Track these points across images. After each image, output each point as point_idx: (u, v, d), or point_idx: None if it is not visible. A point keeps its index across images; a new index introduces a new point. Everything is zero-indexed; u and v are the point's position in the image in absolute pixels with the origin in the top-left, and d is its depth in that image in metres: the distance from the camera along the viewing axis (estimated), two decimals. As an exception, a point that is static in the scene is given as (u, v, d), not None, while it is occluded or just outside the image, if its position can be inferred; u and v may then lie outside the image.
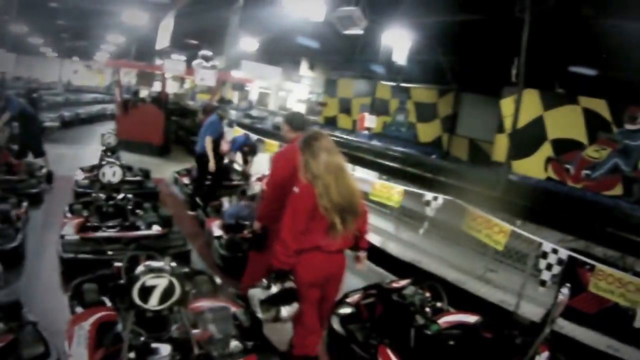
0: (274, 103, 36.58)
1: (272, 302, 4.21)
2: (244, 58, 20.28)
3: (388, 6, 17.19)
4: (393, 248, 8.94)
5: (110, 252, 6.46)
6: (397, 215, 10.73)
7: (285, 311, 4.22)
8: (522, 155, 17.07)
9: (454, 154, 22.66)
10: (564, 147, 16.49)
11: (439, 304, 5.67)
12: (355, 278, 6.84)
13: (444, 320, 5.32)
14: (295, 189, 4.23)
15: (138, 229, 7.23)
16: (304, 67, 29.90)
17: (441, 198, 8.13)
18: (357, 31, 13.06)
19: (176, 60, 17.77)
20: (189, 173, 11.68)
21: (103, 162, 7.95)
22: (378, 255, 8.28)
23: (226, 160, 11.65)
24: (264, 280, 4.27)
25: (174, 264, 4.04)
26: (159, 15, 21.37)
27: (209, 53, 16.63)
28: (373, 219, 10.29)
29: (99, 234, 6.89)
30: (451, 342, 4.93)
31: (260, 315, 4.28)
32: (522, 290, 7.16)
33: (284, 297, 4.22)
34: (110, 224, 7.23)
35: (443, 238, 9.55)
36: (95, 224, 7.14)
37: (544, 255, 6.46)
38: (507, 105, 17.74)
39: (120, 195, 7.80)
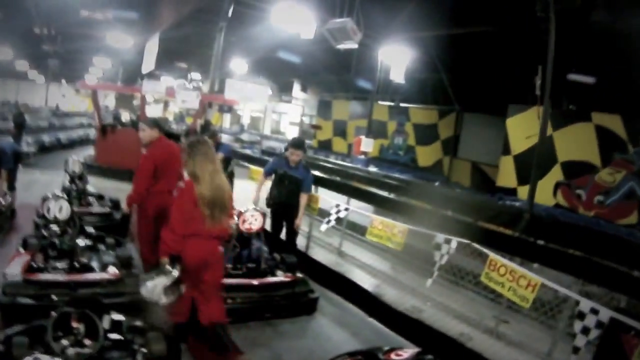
0: (266, 126, 35.95)
1: (176, 285, 4.82)
2: (234, 79, 19.62)
3: (384, 21, 16.41)
4: (390, 294, 7.75)
5: (55, 298, 5.52)
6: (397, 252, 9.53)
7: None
8: (529, 180, 15.85)
9: (455, 179, 21.75)
10: (575, 170, 15.43)
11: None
12: (348, 336, 6.15)
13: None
14: (181, 184, 5.10)
15: (90, 270, 6.15)
16: (296, 88, 29.26)
17: (455, 241, 6.63)
18: (352, 45, 12.14)
19: (155, 81, 16.95)
20: None
21: (48, 195, 6.80)
22: (371, 304, 7.10)
23: None
24: (167, 267, 4.84)
25: (119, 317, 4.06)
26: (145, 37, 20.76)
27: (198, 76, 16.06)
28: (368, 257, 9.25)
29: (44, 276, 5.81)
30: None
31: (164, 299, 4.76)
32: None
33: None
34: (59, 264, 6.14)
35: (447, 279, 8.17)
36: (41, 265, 6.06)
37: (581, 315, 5.16)
38: (513, 124, 16.92)
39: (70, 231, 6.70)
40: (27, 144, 17.66)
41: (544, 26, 9.85)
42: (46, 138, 21.12)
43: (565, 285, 5.72)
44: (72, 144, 23.21)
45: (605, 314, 4.91)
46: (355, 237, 9.88)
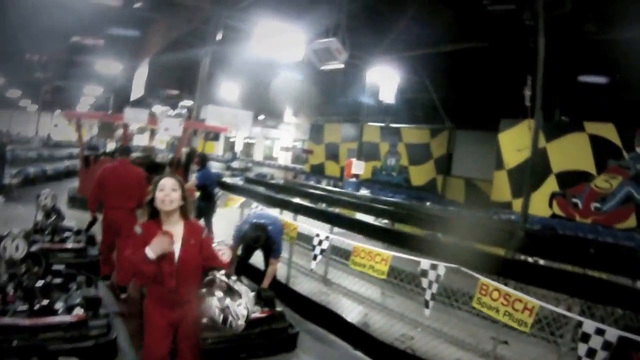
0: (259, 152, 35.63)
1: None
2: (225, 105, 19.28)
3: (372, 41, 16.11)
4: (378, 323, 7.16)
5: (15, 343, 5.01)
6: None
7: None
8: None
9: (450, 196, 21.37)
10: (571, 180, 15.26)
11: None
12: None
13: None
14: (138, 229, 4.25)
15: (53, 313, 5.62)
16: (288, 113, 28.96)
17: (442, 266, 5.97)
18: (337, 65, 11.72)
19: (138, 109, 16.54)
20: None
21: (5, 234, 6.27)
22: (357, 335, 6.47)
23: None
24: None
25: None
26: (135, 64, 20.44)
27: (189, 103, 15.65)
28: (354, 283, 8.58)
29: (2, 320, 5.29)
30: None
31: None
32: None
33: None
34: (20, 308, 5.61)
35: (438, 301, 7.49)
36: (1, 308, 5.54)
37: (585, 337, 4.56)
38: (505, 138, 16.78)
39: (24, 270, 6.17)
40: (10, 176, 17.16)
41: (533, 38, 9.46)
42: (31, 169, 20.51)
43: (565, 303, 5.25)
44: (59, 176, 22.24)
45: (613, 334, 4.37)
46: (341, 262, 9.27)
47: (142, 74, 19.03)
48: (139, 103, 20.27)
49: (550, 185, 15.54)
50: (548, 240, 8.90)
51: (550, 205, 15.65)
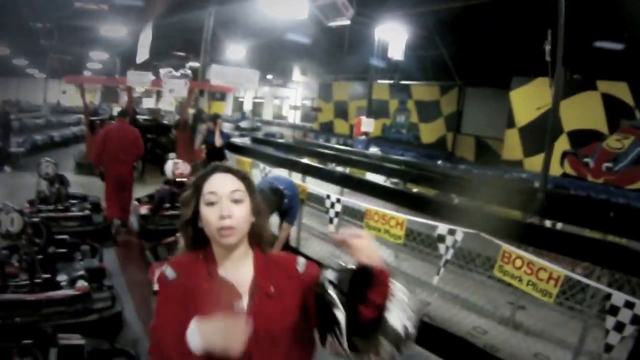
0: (268, 112, 35.33)
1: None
2: (231, 65, 18.88)
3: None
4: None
5: (17, 320, 4.77)
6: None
7: None
8: (535, 152, 15.41)
9: (460, 154, 21.12)
10: (582, 139, 14.94)
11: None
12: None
13: None
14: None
15: (56, 287, 5.34)
16: (296, 72, 28.56)
17: (460, 232, 5.63)
18: (344, 22, 11.42)
19: (141, 72, 16.23)
20: (151, 200, 9.58)
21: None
22: None
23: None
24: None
25: (78, 341, 3.77)
26: (140, 27, 20.04)
27: (196, 64, 15.37)
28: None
29: (9, 296, 5.03)
30: None
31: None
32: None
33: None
34: (22, 282, 5.34)
35: (455, 263, 7.10)
36: (1, 284, 5.27)
37: (613, 310, 4.25)
38: (517, 96, 16.42)
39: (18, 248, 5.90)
40: (17, 144, 16.95)
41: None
42: (38, 137, 20.22)
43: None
44: (67, 142, 21.98)
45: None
46: (354, 223, 8.83)
47: (146, 36, 18.57)
48: (146, 66, 19.98)
49: (562, 144, 15.18)
50: (567, 203, 8.54)
51: (562, 164, 15.39)
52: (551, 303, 4.74)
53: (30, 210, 8.27)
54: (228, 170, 1.97)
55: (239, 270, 1.95)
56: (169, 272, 1.94)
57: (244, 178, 1.97)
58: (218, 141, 11.09)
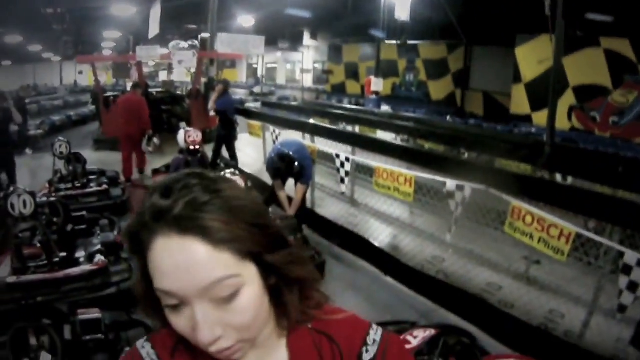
0: (281, 76, 35.23)
1: None
2: (243, 33, 18.83)
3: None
4: (408, 246, 6.90)
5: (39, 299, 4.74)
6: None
7: None
8: (542, 106, 15.14)
9: (469, 109, 21.00)
10: (588, 94, 14.92)
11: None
12: (361, 300, 5.41)
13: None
14: None
15: (75, 263, 5.43)
16: (306, 36, 28.47)
17: (469, 187, 5.65)
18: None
19: (150, 46, 16.34)
20: (168, 170, 9.65)
21: (10, 190, 5.99)
22: (387, 260, 6.20)
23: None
24: None
25: (95, 315, 3.67)
26: (150, 3, 20.00)
27: (207, 35, 15.40)
28: (383, 202, 8.13)
29: (26, 277, 5.09)
30: None
31: None
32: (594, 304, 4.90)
33: None
34: (41, 262, 5.41)
35: (469, 219, 6.76)
36: (18, 265, 5.35)
37: (626, 269, 4.19)
38: (522, 53, 16.47)
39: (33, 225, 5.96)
40: (36, 127, 17.10)
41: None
42: (56, 117, 20.27)
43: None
44: (85, 120, 22.22)
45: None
46: (367, 180, 8.76)
47: (156, 11, 18.60)
48: (158, 41, 20.02)
49: (568, 98, 15.20)
50: (575, 157, 8.48)
51: (570, 119, 15.39)
52: (564, 261, 4.70)
53: (49, 190, 8.38)
54: (180, 222, 0.87)
55: None
56: (147, 350, 1.05)
57: (224, 221, 0.89)
58: (211, 104, 11.85)
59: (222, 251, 0.87)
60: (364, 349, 1.06)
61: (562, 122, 14.98)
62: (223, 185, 0.94)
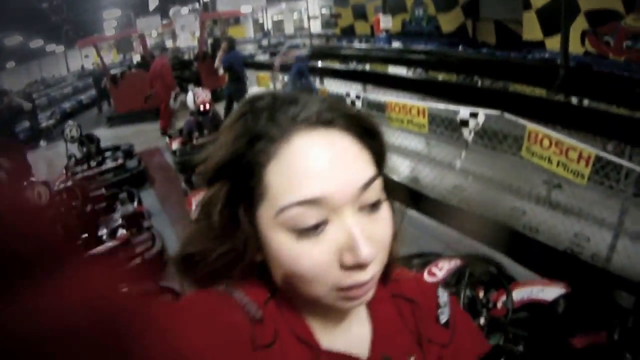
0: (289, 26, 35.05)
1: None
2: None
3: None
4: (427, 177, 6.76)
5: None
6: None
7: None
8: (554, 32, 14.87)
9: (481, 39, 20.32)
10: (600, 19, 14.28)
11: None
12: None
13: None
14: None
15: (98, 242, 5.46)
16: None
17: (482, 114, 5.40)
18: None
19: (149, 17, 16.69)
20: (181, 134, 9.63)
21: (25, 183, 5.99)
22: (408, 192, 6.09)
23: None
24: None
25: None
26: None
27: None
28: (397, 136, 7.84)
29: None
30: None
31: None
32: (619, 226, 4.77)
33: None
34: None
35: (487, 146, 6.64)
36: None
37: None
38: None
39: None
40: (47, 118, 17.29)
41: None
42: (66, 104, 20.63)
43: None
44: (95, 101, 21.90)
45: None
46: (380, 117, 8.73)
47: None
48: (161, 10, 20.04)
49: (580, 23, 14.62)
50: (590, 79, 8.22)
51: (583, 43, 14.82)
52: (584, 184, 4.54)
53: (66, 175, 8.42)
54: (322, 115, 0.78)
55: (350, 330, 0.91)
56: (252, 307, 0.81)
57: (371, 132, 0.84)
58: (217, 63, 12.40)
59: (364, 148, 0.80)
60: (439, 311, 1.00)
61: (576, 47, 14.53)
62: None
